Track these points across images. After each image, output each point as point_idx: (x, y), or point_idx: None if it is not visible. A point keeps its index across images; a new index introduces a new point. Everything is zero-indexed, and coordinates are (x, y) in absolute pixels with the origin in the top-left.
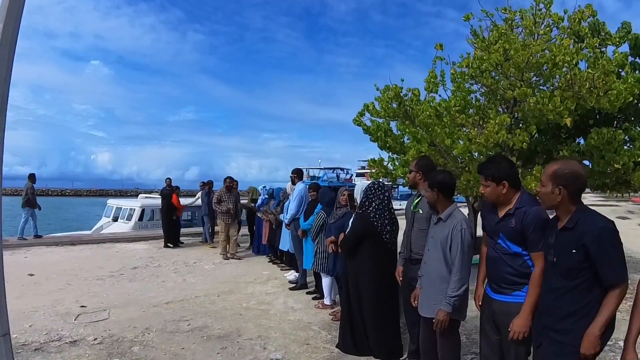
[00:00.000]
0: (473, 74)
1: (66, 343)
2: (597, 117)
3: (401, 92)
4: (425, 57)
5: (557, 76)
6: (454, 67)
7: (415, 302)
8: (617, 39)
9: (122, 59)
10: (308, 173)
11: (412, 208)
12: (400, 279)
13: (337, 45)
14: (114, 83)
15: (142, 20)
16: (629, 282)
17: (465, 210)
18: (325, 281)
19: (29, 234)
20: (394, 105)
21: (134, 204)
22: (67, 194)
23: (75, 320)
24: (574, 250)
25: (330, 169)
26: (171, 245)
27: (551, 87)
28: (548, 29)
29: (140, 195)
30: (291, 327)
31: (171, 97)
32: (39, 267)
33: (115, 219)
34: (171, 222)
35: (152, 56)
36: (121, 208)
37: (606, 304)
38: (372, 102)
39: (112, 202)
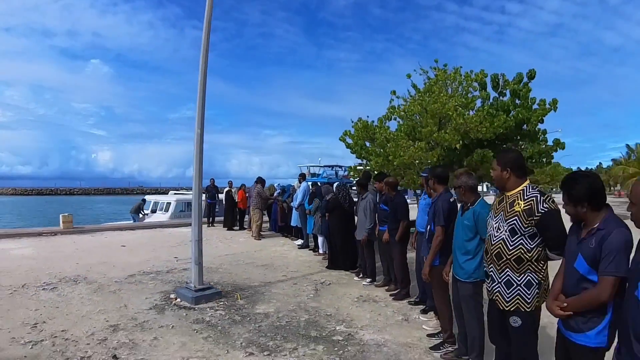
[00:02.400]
0: (404, 115)
1: (181, 269)
2: (484, 142)
3: (367, 124)
4: (426, 51)
5: (453, 120)
6: (397, 107)
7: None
8: (511, 84)
9: (120, 57)
10: (309, 171)
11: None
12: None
13: (336, 40)
14: (113, 81)
15: (139, 17)
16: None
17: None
18: (320, 239)
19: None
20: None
21: (170, 199)
22: (75, 192)
23: (177, 261)
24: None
25: (329, 166)
26: (211, 224)
27: (452, 125)
28: (458, 83)
29: (170, 192)
30: (300, 262)
31: (171, 95)
32: (124, 243)
33: (153, 211)
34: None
35: (150, 53)
36: (158, 202)
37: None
38: (349, 130)
39: (150, 198)
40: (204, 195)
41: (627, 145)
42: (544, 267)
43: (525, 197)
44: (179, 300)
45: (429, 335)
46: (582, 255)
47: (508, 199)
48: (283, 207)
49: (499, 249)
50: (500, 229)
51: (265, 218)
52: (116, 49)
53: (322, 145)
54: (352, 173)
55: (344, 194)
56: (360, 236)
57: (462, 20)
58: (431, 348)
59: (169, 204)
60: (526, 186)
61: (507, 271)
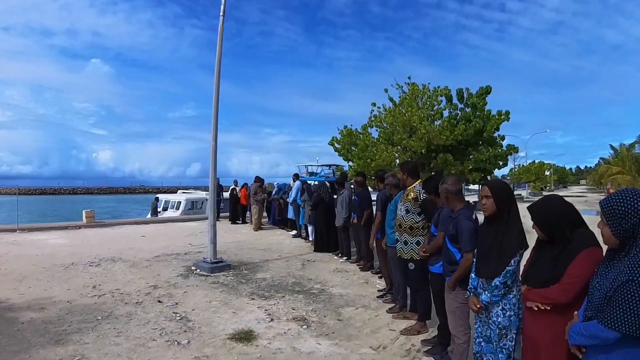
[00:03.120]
0: (380, 125)
1: (196, 252)
2: (448, 147)
3: (351, 131)
4: (426, 49)
5: (419, 130)
6: (377, 116)
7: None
8: (473, 97)
9: (120, 56)
10: (307, 169)
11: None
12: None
13: (336, 39)
14: (113, 80)
15: (139, 16)
16: None
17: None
18: (310, 228)
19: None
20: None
21: (180, 198)
22: (78, 192)
23: (191, 246)
24: None
25: (326, 165)
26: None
27: (418, 134)
28: (427, 97)
29: (179, 191)
30: (293, 247)
31: (171, 94)
32: (143, 234)
33: (165, 209)
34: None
35: (150, 52)
36: (169, 201)
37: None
38: (336, 137)
39: (162, 197)
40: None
41: (611, 145)
42: (426, 232)
43: (414, 191)
44: (198, 270)
45: (379, 291)
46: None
47: (406, 191)
48: (280, 203)
49: (400, 221)
50: (401, 209)
51: (265, 213)
52: (116, 48)
53: (322, 144)
54: (337, 172)
55: (324, 190)
56: (338, 223)
57: (462, 18)
58: (378, 297)
59: (179, 202)
60: (417, 184)
61: (405, 235)
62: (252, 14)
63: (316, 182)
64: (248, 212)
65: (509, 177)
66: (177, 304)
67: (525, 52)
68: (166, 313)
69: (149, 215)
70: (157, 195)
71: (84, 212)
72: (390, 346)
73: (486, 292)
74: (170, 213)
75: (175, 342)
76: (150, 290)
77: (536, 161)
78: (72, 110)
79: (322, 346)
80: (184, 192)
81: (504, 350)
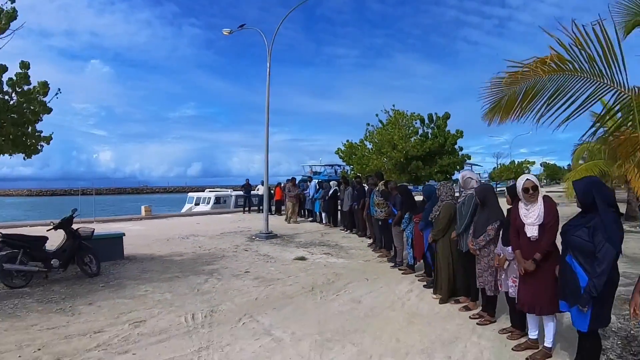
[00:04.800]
0: (372, 140)
1: (247, 231)
2: (420, 157)
3: (352, 144)
4: (426, 45)
5: (398, 144)
6: (371, 133)
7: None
8: (440, 120)
9: (119, 56)
10: (312, 169)
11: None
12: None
13: (335, 36)
14: (112, 81)
15: (137, 16)
16: None
17: None
18: (324, 214)
19: None
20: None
21: (209, 195)
22: (87, 192)
23: (240, 228)
24: None
25: (329, 165)
26: (248, 211)
27: (398, 148)
28: (405, 120)
29: (206, 189)
30: (313, 226)
31: (170, 94)
32: (198, 222)
33: (197, 204)
34: (250, 202)
35: (149, 52)
36: (201, 197)
37: None
38: (340, 148)
39: (192, 195)
40: (240, 191)
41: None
42: (385, 207)
43: (379, 186)
44: (257, 239)
45: (369, 245)
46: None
47: (377, 187)
48: (299, 197)
49: (376, 201)
50: (376, 196)
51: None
52: (114, 48)
53: (322, 142)
54: (342, 174)
55: (326, 187)
56: (345, 209)
57: (462, 14)
58: (368, 246)
59: (209, 198)
60: (380, 184)
61: (377, 208)
62: (250, 12)
63: (330, 181)
64: (283, 206)
65: (488, 178)
66: (257, 251)
67: (526, 48)
68: (254, 254)
69: (185, 209)
70: (188, 194)
71: (142, 207)
72: (372, 260)
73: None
74: (202, 207)
75: (268, 262)
76: (236, 247)
77: (520, 160)
78: (72, 111)
79: (338, 261)
80: (210, 191)
81: None
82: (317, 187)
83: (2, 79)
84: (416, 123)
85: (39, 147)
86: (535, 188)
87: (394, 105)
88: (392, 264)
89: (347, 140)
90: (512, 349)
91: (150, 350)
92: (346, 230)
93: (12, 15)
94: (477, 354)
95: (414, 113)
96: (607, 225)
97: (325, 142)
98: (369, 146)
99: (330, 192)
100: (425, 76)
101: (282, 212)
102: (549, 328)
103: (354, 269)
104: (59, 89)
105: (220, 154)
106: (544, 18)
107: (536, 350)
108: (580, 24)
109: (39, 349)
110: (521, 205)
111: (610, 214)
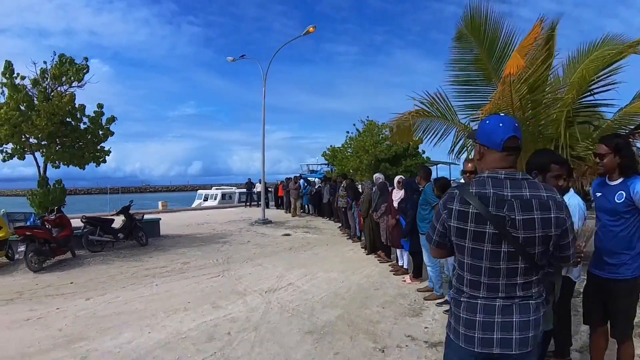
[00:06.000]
0: (351, 145)
1: (249, 219)
2: (388, 159)
3: (334, 149)
4: (426, 42)
5: (370, 149)
6: (350, 139)
7: None
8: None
9: (118, 55)
10: (309, 168)
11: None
12: None
13: (334, 33)
14: (112, 80)
15: (135, 15)
16: None
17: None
18: (311, 206)
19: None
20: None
21: (216, 192)
22: (92, 192)
23: (242, 217)
24: None
25: (324, 164)
26: (249, 205)
27: (370, 151)
28: (377, 128)
29: (213, 187)
30: (319, 223)
31: (170, 93)
32: (208, 214)
33: (205, 199)
34: (251, 197)
35: (147, 51)
36: (209, 194)
37: None
38: (325, 151)
39: (201, 192)
40: (243, 189)
41: None
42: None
43: (344, 183)
44: (256, 224)
45: (339, 227)
46: None
47: (343, 183)
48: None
49: (341, 195)
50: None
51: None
52: (113, 48)
53: (322, 140)
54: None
55: (312, 185)
56: (325, 200)
57: (461, 10)
58: (338, 227)
59: (216, 195)
60: (345, 181)
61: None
62: (249, 9)
63: (314, 179)
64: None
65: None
66: (255, 231)
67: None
68: (253, 232)
69: (195, 204)
70: (198, 191)
71: (159, 202)
72: (337, 236)
73: None
74: (210, 202)
75: (263, 236)
76: (240, 229)
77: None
78: None
79: (313, 236)
80: (217, 188)
81: None
82: (305, 184)
83: (83, 113)
84: (386, 131)
85: (105, 159)
86: (399, 182)
87: (368, 117)
88: (348, 237)
89: (331, 146)
90: (389, 269)
91: (197, 272)
92: (326, 218)
93: (85, 68)
94: (370, 271)
95: (385, 122)
96: (411, 203)
97: (326, 139)
98: (350, 150)
99: (315, 188)
100: (425, 73)
101: (281, 207)
102: (404, 256)
103: (321, 240)
104: (115, 117)
105: (221, 152)
106: (544, 13)
107: (398, 269)
108: (431, 91)
109: (133, 274)
110: (394, 191)
111: (413, 198)
